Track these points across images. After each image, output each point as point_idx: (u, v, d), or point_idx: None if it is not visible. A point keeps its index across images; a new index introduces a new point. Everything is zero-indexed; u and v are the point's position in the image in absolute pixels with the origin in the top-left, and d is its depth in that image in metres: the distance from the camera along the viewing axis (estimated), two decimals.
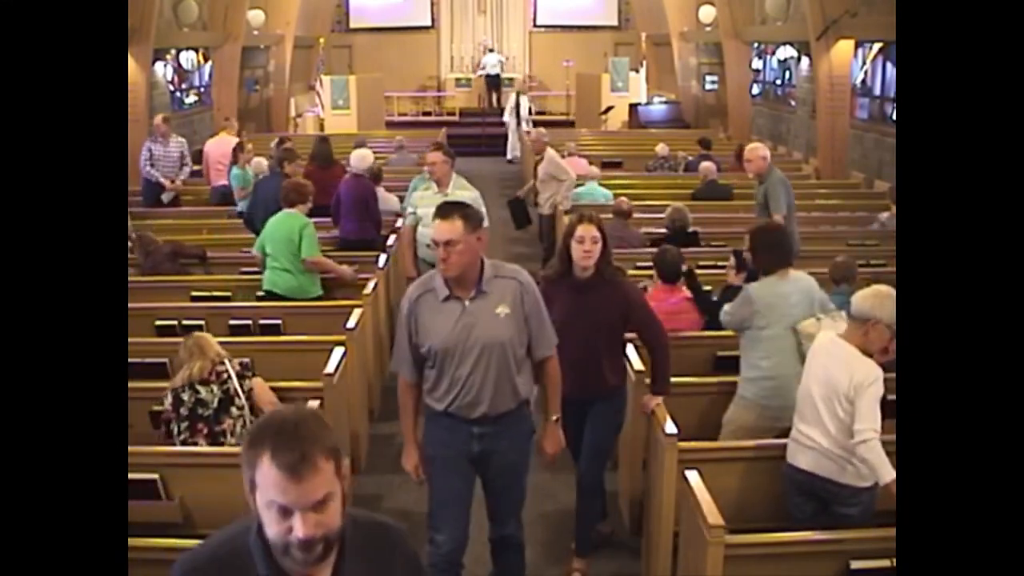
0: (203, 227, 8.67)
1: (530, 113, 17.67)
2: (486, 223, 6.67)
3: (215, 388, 4.29)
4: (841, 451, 3.52)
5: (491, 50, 22.05)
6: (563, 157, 12.09)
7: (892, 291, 3.49)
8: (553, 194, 9.06)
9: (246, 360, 4.49)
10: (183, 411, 4.25)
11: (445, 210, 3.37)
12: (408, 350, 3.46)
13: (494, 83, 21.61)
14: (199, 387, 4.28)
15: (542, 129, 9.49)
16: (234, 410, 4.29)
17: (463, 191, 6.55)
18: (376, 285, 6.46)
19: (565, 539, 4.57)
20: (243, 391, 4.33)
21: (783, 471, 3.78)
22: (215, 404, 4.26)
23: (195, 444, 4.22)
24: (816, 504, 3.67)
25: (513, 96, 17.89)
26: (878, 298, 3.50)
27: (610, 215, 8.08)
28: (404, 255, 6.82)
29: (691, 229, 7.38)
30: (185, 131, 14.88)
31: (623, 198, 8.33)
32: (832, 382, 3.51)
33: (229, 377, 4.32)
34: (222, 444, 4.22)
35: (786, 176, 7.27)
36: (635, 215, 8.18)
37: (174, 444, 4.25)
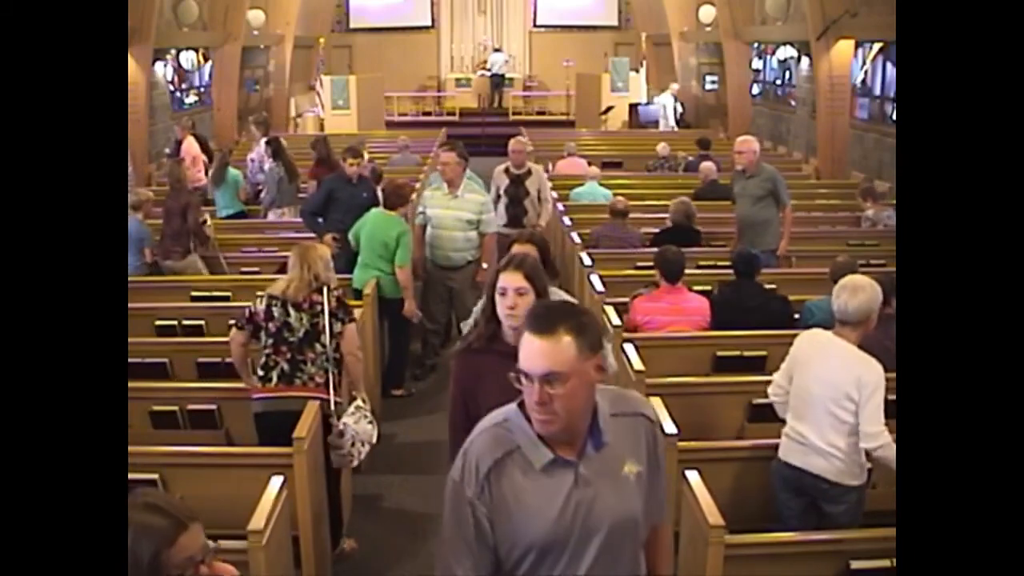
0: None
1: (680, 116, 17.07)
2: (493, 228, 6.73)
3: (304, 318, 4.18)
4: (833, 449, 3.55)
5: (497, 49, 22.04)
6: (563, 157, 12.14)
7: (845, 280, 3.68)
8: (536, 213, 7.75)
9: (347, 304, 4.30)
10: (271, 326, 4.21)
11: (542, 320, 2.03)
12: (475, 550, 2.08)
13: (498, 82, 21.62)
14: (291, 309, 4.18)
15: (523, 138, 8.03)
16: (318, 346, 4.18)
17: (473, 195, 6.53)
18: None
19: None
20: (331, 332, 4.17)
21: (772, 468, 3.81)
22: (300, 334, 4.18)
23: (275, 364, 4.20)
24: (804, 501, 3.69)
25: (669, 97, 17.42)
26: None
27: (606, 215, 8.09)
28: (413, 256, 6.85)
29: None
30: None
31: (620, 197, 8.32)
32: (835, 382, 3.52)
33: (322, 311, 4.17)
34: (300, 373, 4.19)
35: (784, 176, 7.30)
36: (635, 215, 8.18)
37: (259, 346, 4.26)
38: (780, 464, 3.75)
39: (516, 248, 3.53)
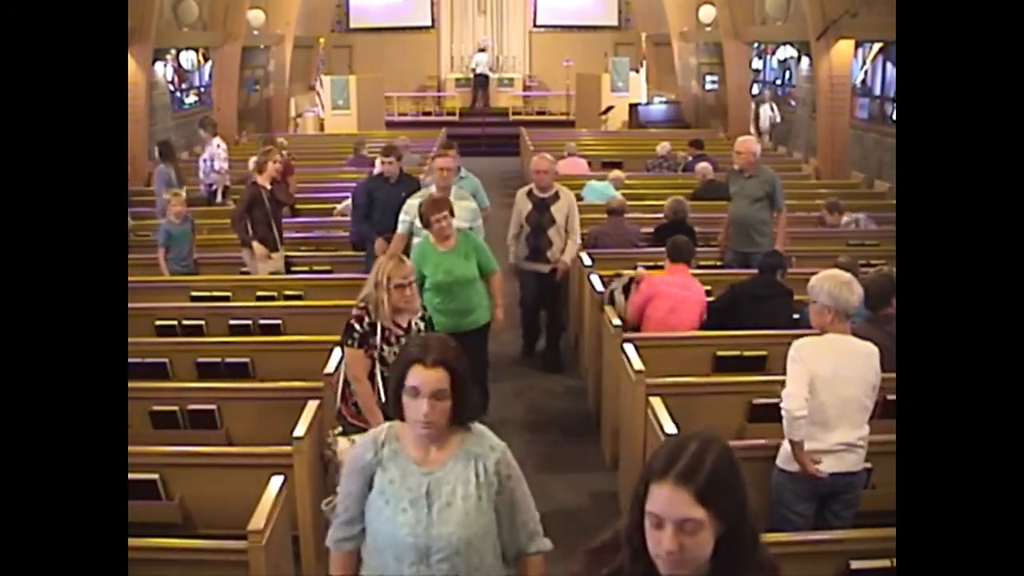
0: (203, 227, 8.67)
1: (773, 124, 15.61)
2: (478, 223, 6.58)
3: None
4: (860, 440, 3.66)
5: (481, 50, 22.07)
6: (563, 157, 12.11)
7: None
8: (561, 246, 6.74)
9: (360, 328, 4.01)
10: None
11: None
12: None
13: (482, 82, 21.71)
14: None
15: (548, 155, 6.96)
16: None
17: (463, 201, 6.00)
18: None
19: (568, 540, 4.56)
20: (342, 350, 4.17)
21: (787, 485, 3.70)
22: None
23: None
24: (815, 506, 3.69)
25: (765, 106, 16.52)
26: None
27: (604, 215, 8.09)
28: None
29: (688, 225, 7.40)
30: (185, 131, 14.89)
31: (616, 195, 8.35)
32: (863, 377, 3.65)
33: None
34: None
35: (783, 177, 7.31)
36: (636, 214, 8.19)
37: None
38: (810, 478, 3.63)
39: (418, 372, 2.37)
